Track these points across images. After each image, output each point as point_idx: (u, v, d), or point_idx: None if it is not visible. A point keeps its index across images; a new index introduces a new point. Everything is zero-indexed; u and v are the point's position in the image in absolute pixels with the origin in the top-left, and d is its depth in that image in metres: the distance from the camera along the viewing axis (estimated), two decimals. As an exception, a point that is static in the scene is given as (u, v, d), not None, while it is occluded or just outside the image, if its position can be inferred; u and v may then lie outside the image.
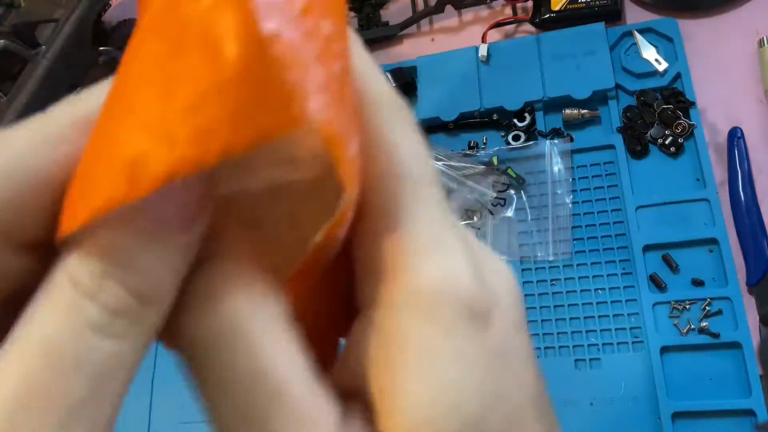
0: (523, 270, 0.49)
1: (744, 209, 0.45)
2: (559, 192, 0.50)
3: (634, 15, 0.55)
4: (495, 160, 0.52)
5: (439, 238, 0.12)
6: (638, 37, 0.52)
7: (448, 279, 0.12)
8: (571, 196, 0.50)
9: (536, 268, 0.49)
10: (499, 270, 0.13)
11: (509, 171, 0.51)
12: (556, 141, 0.51)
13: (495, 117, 0.54)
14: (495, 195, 0.51)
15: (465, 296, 0.12)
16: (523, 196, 0.51)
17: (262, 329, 0.11)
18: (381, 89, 0.13)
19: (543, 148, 0.51)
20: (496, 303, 0.13)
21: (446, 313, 0.12)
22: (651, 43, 0.52)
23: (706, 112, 0.50)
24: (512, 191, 0.51)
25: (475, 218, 0.51)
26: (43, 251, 0.11)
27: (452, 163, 0.53)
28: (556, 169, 0.50)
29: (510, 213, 0.50)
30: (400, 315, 0.12)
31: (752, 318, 0.43)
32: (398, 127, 0.13)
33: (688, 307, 0.45)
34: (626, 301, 0.46)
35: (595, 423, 0.44)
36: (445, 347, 0.12)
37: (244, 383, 0.11)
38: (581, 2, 0.54)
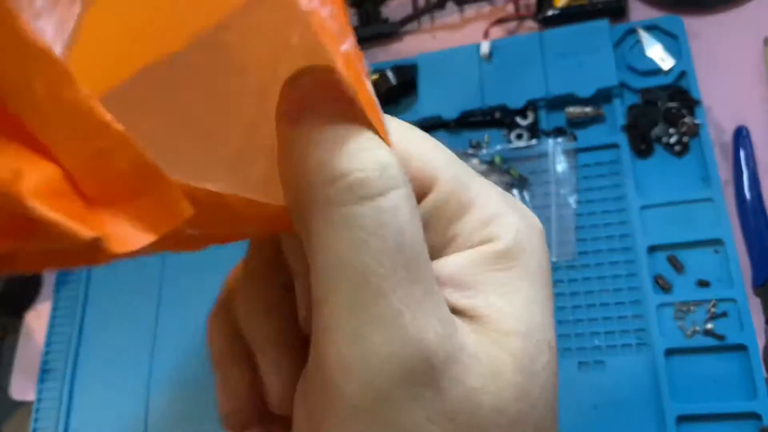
0: (525, 271, 0.48)
1: (750, 209, 0.45)
2: (562, 192, 0.49)
3: (639, 12, 0.54)
4: (497, 159, 0.51)
5: (501, 205, 0.16)
6: (643, 34, 0.51)
7: (522, 234, 0.15)
8: (575, 196, 0.49)
9: (539, 269, 0.48)
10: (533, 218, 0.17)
11: (512, 171, 0.50)
12: (559, 140, 0.51)
13: (497, 115, 0.53)
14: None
15: (539, 244, 0.16)
16: (526, 196, 0.50)
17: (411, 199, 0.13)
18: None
19: (546, 147, 0.51)
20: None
21: (526, 260, 0.15)
22: (656, 41, 0.51)
23: (712, 111, 0.49)
24: (515, 191, 0.50)
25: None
26: None
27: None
28: (559, 168, 0.50)
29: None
30: (498, 262, 0.15)
31: (758, 320, 0.43)
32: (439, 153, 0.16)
33: (693, 308, 0.44)
34: (630, 302, 0.46)
35: (599, 426, 0.43)
36: (526, 283, 0.15)
37: (393, 234, 0.13)
38: (585, -1, 0.53)
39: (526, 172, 0.50)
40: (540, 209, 0.49)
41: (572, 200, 0.49)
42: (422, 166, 0.15)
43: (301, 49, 0.13)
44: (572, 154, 0.50)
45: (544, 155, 0.51)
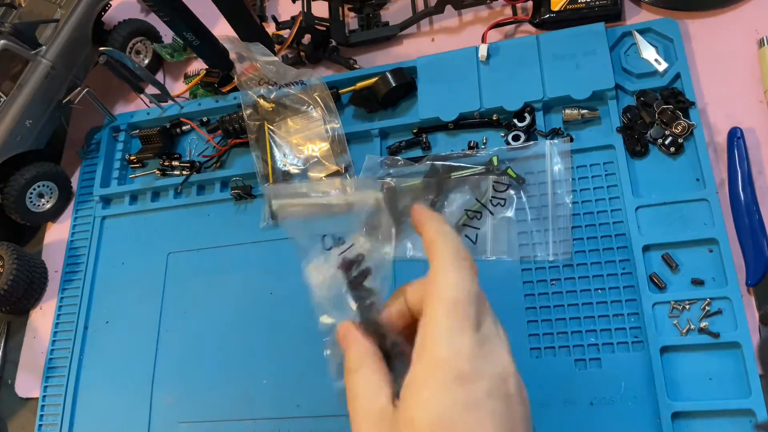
0: (523, 270, 0.49)
1: (744, 209, 0.45)
2: (558, 192, 0.50)
3: (634, 15, 0.55)
4: (495, 160, 0.52)
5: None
6: (638, 37, 0.52)
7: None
8: (571, 196, 0.50)
9: (536, 268, 0.49)
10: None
11: (509, 171, 0.51)
12: (555, 141, 0.51)
13: (495, 117, 0.54)
14: (495, 195, 0.51)
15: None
16: (523, 196, 0.51)
17: None
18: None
19: (543, 148, 0.51)
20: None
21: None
22: (651, 43, 0.52)
23: (706, 112, 0.50)
24: (512, 191, 0.51)
25: (475, 218, 0.51)
26: None
27: (452, 163, 0.53)
28: (555, 169, 0.50)
29: (510, 213, 0.50)
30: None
31: (752, 318, 0.43)
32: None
33: (687, 307, 0.45)
34: (626, 300, 0.46)
35: (595, 423, 0.44)
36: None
37: None
38: (581, 2, 0.54)
39: (523, 172, 0.51)
40: (537, 209, 0.50)
41: (568, 200, 0.49)
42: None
43: None
44: (568, 154, 0.51)
45: (540, 156, 0.51)
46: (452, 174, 0.52)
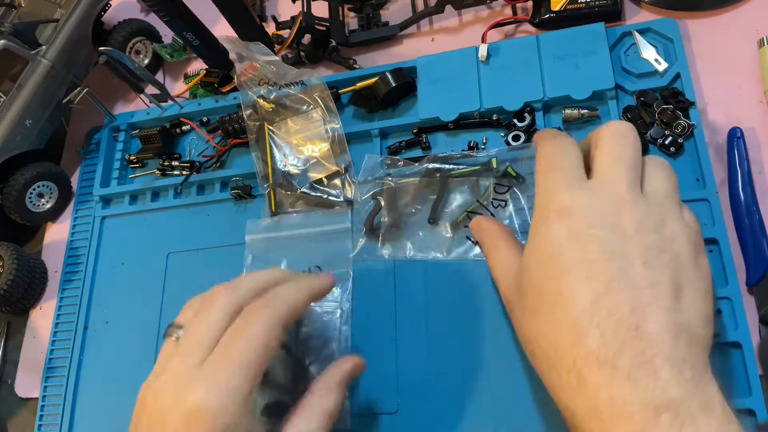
0: (523, 270, 0.49)
1: (744, 209, 0.45)
2: (559, 192, 0.50)
3: (634, 15, 0.55)
4: (494, 162, 0.52)
5: None
6: (638, 37, 0.52)
7: None
8: (571, 196, 0.50)
9: (536, 268, 0.49)
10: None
11: (509, 169, 0.51)
12: (556, 141, 0.51)
13: (495, 117, 0.54)
14: (495, 195, 0.51)
15: None
16: (524, 197, 0.51)
17: None
18: None
19: (543, 148, 0.51)
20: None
21: None
22: (651, 43, 0.52)
23: (706, 112, 0.50)
24: (513, 191, 0.51)
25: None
26: None
27: (452, 164, 0.53)
28: (556, 169, 0.50)
29: (510, 213, 0.50)
30: None
31: (752, 318, 0.43)
32: None
33: (687, 307, 0.45)
34: (626, 301, 0.46)
35: (595, 423, 0.44)
36: None
37: None
38: (581, 2, 0.54)
39: (523, 172, 0.51)
40: (537, 209, 0.50)
41: (568, 200, 0.49)
42: None
43: None
44: (568, 154, 0.51)
45: (540, 156, 0.51)
46: (452, 174, 0.52)
